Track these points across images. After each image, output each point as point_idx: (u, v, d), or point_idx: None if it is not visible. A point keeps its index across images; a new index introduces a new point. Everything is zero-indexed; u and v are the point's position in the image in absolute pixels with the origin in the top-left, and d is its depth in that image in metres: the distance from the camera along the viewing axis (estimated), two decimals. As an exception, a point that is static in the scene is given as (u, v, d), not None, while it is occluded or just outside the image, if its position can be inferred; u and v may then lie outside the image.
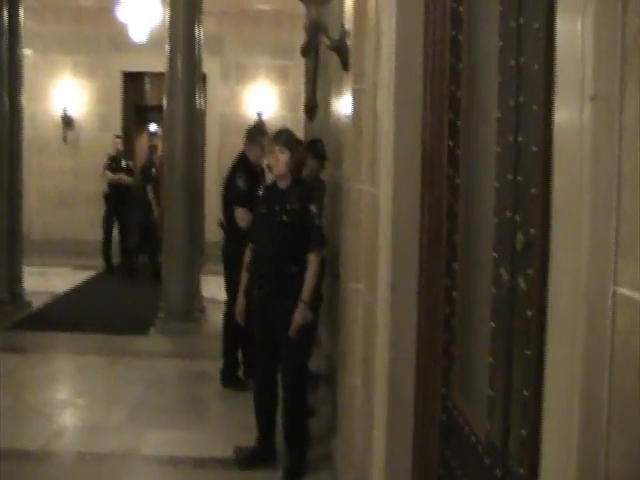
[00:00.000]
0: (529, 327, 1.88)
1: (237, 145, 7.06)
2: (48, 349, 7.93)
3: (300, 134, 9.54)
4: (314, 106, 4.91)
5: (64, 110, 13.90)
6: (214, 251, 6.82)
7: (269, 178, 5.61)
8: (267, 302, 4.89)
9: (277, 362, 4.95)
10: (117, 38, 13.10)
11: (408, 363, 3.13)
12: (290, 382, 4.91)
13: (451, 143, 2.89)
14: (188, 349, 8.09)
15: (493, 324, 2.20)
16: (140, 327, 8.83)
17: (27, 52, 10.46)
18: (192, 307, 8.81)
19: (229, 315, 6.58)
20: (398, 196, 3.13)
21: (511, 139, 2.05)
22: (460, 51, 2.79)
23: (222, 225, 6.73)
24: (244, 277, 5.21)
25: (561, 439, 1.42)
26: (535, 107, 1.85)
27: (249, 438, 5.15)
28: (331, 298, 6.16)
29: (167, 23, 8.72)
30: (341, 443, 4.54)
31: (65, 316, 9.50)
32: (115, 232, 12.70)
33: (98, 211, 13.02)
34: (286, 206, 4.85)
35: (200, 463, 5.11)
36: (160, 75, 9.52)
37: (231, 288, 6.48)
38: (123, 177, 12.45)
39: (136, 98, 14.99)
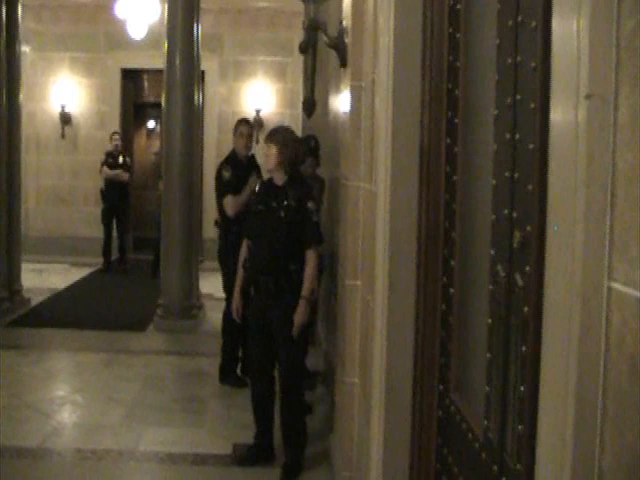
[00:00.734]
0: (526, 323, 1.89)
1: (235, 142, 7.09)
2: (46, 346, 7.95)
3: (298, 131, 9.58)
4: (312, 103, 4.90)
5: (62, 108, 13.90)
6: (212, 248, 6.83)
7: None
8: (265, 299, 4.90)
9: (274, 359, 4.96)
10: (115, 35, 13.11)
11: (405, 360, 3.13)
12: (287, 380, 4.91)
13: (449, 141, 2.90)
14: (186, 346, 8.10)
15: (490, 321, 2.21)
16: (138, 324, 8.85)
17: (25, 49, 10.45)
18: (190, 304, 8.82)
19: (227, 313, 6.60)
20: (396, 193, 3.14)
21: (508, 136, 2.06)
22: (458, 49, 2.79)
23: (218, 223, 6.76)
24: (240, 274, 5.22)
25: (556, 435, 1.43)
26: (532, 105, 1.86)
27: (247, 435, 5.17)
28: (329, 296, 6.17)
29: (165, 20, 8.73)
30: (338, 440, 4.55)
31: (63, 313, 9.52)
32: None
33: (96, 208, 13.04)
34: (283, 203, 4.86)
35: (198, 460, 5.12)
36: (158, 72, 9.54)
37: (229, 286, 6.51)
38: (120, 173, 12.45)
39: (134, 95, 15.01)
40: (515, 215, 2.01)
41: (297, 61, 12.12)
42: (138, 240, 14.39)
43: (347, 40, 4.24)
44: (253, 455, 5.06)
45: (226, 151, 7.06)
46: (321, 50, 4.73)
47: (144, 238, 14.10)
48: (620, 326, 1.20)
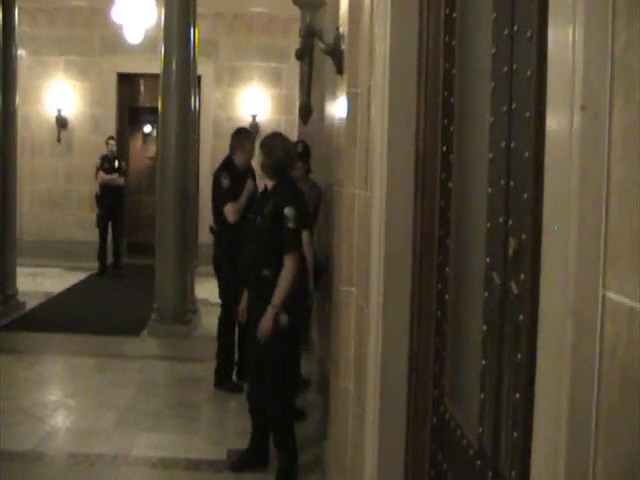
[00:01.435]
0: (520, 331, 1.90)
1: (230, 148, 7.08)
2: (40, 350, 7.94)
3: (294, 137, 9.59)
4: (309, 110, 4.91)
5: (58, 111, 13.90)
6: (207, 253, 6.84)
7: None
8: (250, 304, 4.96)
9: None
10: (111, 39, 13.12)
11: (400, 366, 3.14)
12: (269, 386, 4.89)
13: (444, 148, 2.91)
14: (180, 351, 8.09)
15: (485, 328, 2.22)
16: (132, 329, 8.84)
17: (21, 53, 10.45)
18: (185, 309, 8.81)
19: (224, 318, 6.61)
20: (391, 200, 3.15)
21: (503, 145, 2.07)
22: (453, 57, 2.80)
23: (213, 230, 6.76)
24: None
25: (550, 443, 1.43)
26: (527, 113, 1.87)
27: (241, 441, 5.17)
28: (323, 302, 6.17)
29: (161, 25, 8.73)
30: (333, 446, 4.55)
31: (58, 317, 9.51)
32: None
33: (91, 212, 13.05)
34: (263, 209, 4.87)
35: (191, 466, 5.11)
36: (155, 77, 9.54)
37: (224, 292, 6.52)
38: (116, 178, 12.44)
39: (130, 100, 15.00)
40: (510, 223, 2.01)
41: (293, 67, 12.15)
42: (133, 245, 14.37)
43: (343, 47, 4.25)
44: (247, 461, 5.05)
45: (221, 156, 7.05)
46: (317, 57, 4.75)
47: (139, 243, 14.10)
48: (613, 335, 1.20)
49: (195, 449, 5.37)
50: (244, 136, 6.66)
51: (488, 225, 2.22)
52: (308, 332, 7.23)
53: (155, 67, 9.06)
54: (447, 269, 2.85)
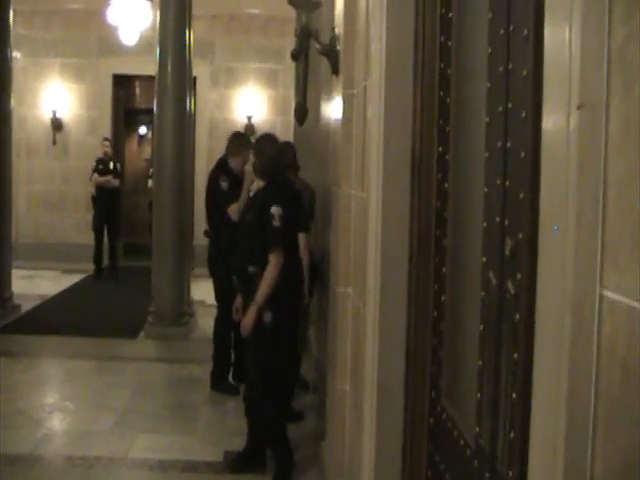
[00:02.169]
0: (517, 330, 1.90)
1: (226, 150, 7.07)
2: (37, 353, 7.92)
3: (290, 138, 9.58)
4: (304, 111, 4.91)
5: (53, 113, 13.89)
6: (204, 255, 6.83)
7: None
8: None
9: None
10: (107, 41, 13.10)
11: (397, 367, 3.14)
12: (253, 385, 4.93)
13: (440, 148, 2.91)
14: (177, 353, 8.09)
15: (481, 327, 2.22)
16: (129, 331, 8.82)
17: (16, 55, 10.44)
18: (181, 311, 8.81)
19: (220, 320, 6.61)
20: (387, 201, 3.15)
21: (499, 144, 2.07)
22: (449, 57, 2.81)
23: (208, 233, 6.75)
24: None
25: (548, 442, 1.43)
26: (523, 113, 1.87)
27: (238, 442, 5.16)
28: (320, 303, 6.17)
29: (157, 26, 8.73)
30: (330, 447, 4.55)
31: (54, 320, 9.49)
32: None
33: (87, 214, 13.02)
34: (252, 208, 4.96)
35: (189, 467, 5.10)
36: (150, 78, 9.53)
37: (220, 294, 6.51)
38: (110, 180, 12.42)
39: (126, 101, 14.99)
40: (506, 223, 2.01)
41: (289, 68, 12.14)
42: (129, 246, 14.36)
43: (339, 47, 4.25)
44: (244, 462, 5.04)
45: (217, 157, 7.01)
46: (313, 57, 4.74)
47: (135, 244, 14.09)
48: (611, 333, 1.20)
49: (193, 451, 5.36)
50: (245, 142, 6.65)
51: (484, 225, 2.22)
52: (305, 333, 7.22)
53: (151, 69, 9.05)
54: (444, 269, 2.85)
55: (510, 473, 1.96)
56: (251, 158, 5.21)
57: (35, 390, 6.78)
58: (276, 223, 4.74)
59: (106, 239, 12.65)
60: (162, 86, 8.62)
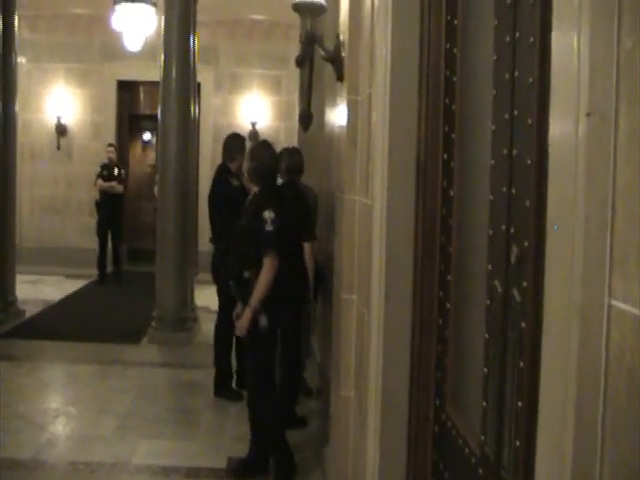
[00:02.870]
0: (523, 339, 1.89)
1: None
2: (40, 358, 7.92)
3: (294, 144, 9.59)
4: (309, 117, 4.91)
5: (58, 118, 13.92)
6: (207, 260, 6.83)
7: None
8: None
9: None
10: (111, 47, 13.12)
11: (401, 374, 3.13)
12: (250, 387, 4.99)
13: (445, 155, 2.90)
14: (180, 358, 8.09)
15: (487, 335, 2.21)
16: (132, 336, 8.83)
17: (21, 60, 10.46)
18: (185, 316, 8.81)
19: (220, 325, 6.60)
20: (392, 207, 3.14)
21: (505, 152, 2.07)
22: (455, 64, 2.80)
23: (212, 240, 6.75)
24: None
25: (555, 451, 1.42)
26: (529, 120, 1.87)
27: (241, 448, 5.16)
28: (324, 309, 6.16)
29: (161, 32, 8.74)
30: (334, 454, 4.54)
31: (58, 325, 9.49)
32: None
33: (91, 219, 13.04)
34: (245, 213, 5.01)
35: (192, 473, 5.10)
36: (154, 84, 9.54)
37: (222, 297, 6.50)
38: (115, 185, 12.43)
39: (130, 107, 15.00)
40: (512, 230, 2.01)
41: (293, 73, 12.16)
42: (133, 251, 14.37)
43: (344, 54, 4.25)
44: (247, 469, 5.04)
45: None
46: (318, 63, 4.74)
47: (139, 249, 14.10)
48: (620, 342, 1.20)
49: (195, 456, 5.36)
50: (240, 143, 6.68)
51: (490, 232, 2.22)
52: (309, 339, 7.22)
53: (155, 74, 9.07)
54: (449, 277, 2.85)
55: (515, 482, 1.95)
56: (245, 164, 5.29)
57: (38, 394, 6.78)
58: (268, 227, 4.78)
59: (110, 244, 12.66)
60: (166, 92, 8.63)
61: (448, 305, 2.84)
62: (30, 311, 9.87)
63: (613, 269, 1.22)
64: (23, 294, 10.00)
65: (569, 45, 1.36)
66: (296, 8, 4.39)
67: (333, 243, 4.97)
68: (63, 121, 13.96)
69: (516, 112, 2.00)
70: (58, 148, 13.99)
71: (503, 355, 2.05)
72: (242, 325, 4.81)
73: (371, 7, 3.58)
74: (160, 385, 7.22)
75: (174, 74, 8.56)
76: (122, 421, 6.05)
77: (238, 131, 8.05)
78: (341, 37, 4.36)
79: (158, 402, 6.63)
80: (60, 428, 5.93)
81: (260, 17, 13.47)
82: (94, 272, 12.57)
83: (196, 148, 10.35)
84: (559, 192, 1.45)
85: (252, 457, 5.05)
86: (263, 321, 4.77)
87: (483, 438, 2.25)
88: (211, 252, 6.78)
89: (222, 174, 6.58)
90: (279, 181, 6.11)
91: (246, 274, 4.84)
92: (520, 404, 1.91)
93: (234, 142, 6.68)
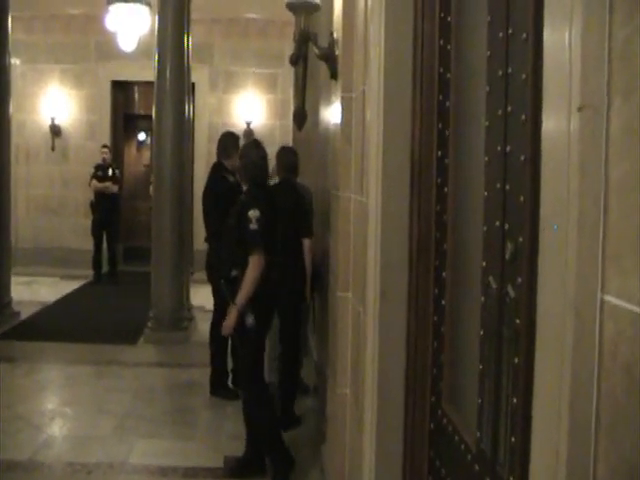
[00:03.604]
0: (518, 335, 1.89)
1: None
2: (37, 359, 7.90)
3: (289, 142, 9.58)
4: (303, 115, 4.90)
5: (52, 119, 13.89)
6: (203, 260, 6.82)
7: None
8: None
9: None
10: (105, 47, 13.11)
11: (397, 371, 3.13)
12: (244, 395, 5.00)
13: (440, 152, 2.90)
14: (177, 358, 8.08)
15: (482, 332, 2.21)
16: (129, 336, 8.82)
17: (15, 61, 10.44)
18: (181, 316, 8.81)
19: (216, 324, 6.59)
20: (387, 205, 3.14)
21: (499, 148, 2.07)
22: (449, 61, 2.80)
23: (207, 239, 6.75)
24: None
25: (550, 447, 1.42)
26: (523, 116, 1.87)
27: (238, 447, 5.15)
28: (320, 307, 6.16)
29: (156, 32, 8.73)
30: (330, 451, 4.54)
31: (54, 326, 9.48)
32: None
33: (86, 220, 13.02)
34: (233, 212, 5.02)
35: (189, 473, 5.09)
36: (149, 84, 9.53)
37: (217, 298, 6.49)
38: (109, 186, 12.42)
39: (125, 107, 14.99)
40: (507, 226, 2.01)
41: (288, 72, 12.14)
42: (129, 250, 14.35)
43: (337, 52, 4.25)
44: (244, 468, 5.03)
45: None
46: (312, 61, 4.74)
47: (135, 248, 14.08)
48: (613, 338, 1.20)
49: (193, 456, 5.35)
50: (236, 139, 6.69)
51: (485, 229, 2.22)
52: (306, 336, 7.22)
53: (149, 74, 9.06)
54: (444, 273, 2.84)
55: (511, 478, 1.95)
56: (237, 163, 5.39)
57: (35, 395, 6.77)
58: (253, 226, 4.77)
59: (105, 244, 12.65)
60: (161, 92, 8.62)
61: (443, 302, 2.84)
62: (26, 313, 9.85)
63: (606, 264, 1.22)
64: (18, 295, 9.98)
65: (561, 39, 1.36)
66: (290, 6, 4.38)
67: (328, 241, 4.97)
68: (57, 122, 13.93)
69: (510, 108, 2.00)
70: (52, 149, 13.96)
71: (498, 351, 2.05)
72: (228, 324, 4.82)
73: (365, 5, 3.58)
74: (157, 385, 7.22)
75: (168, 74, 8.55)
76: (119, 421, 6.04)
77: (233, 130, 8.04)
78: (335, 35, 4.35)
79: (155, 402, 6.63)
80: (57, 429, 5.93)
81: (255, 15, 13.46)
82: (90, 273, 12.57)
83: (191, 147, 10.34)
84: (552, 188, 1.45)
85: (248, 456, 5.05)
86: (250, 320, 4.76)
87: (479, 434, 2.26)
88: (206, 251, 6.77)
89: (218, 171, 6.58)
90: (275, 180, 6.12)
91: (234, 273, 4.84)
92: (515, 400, 1.91)
93: (229, 139, 6.69)
